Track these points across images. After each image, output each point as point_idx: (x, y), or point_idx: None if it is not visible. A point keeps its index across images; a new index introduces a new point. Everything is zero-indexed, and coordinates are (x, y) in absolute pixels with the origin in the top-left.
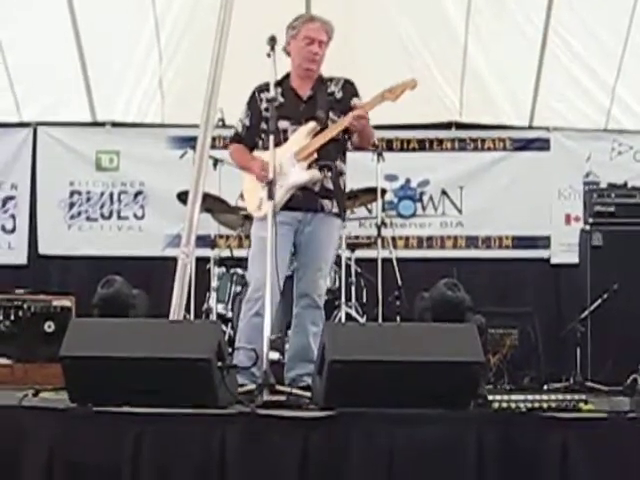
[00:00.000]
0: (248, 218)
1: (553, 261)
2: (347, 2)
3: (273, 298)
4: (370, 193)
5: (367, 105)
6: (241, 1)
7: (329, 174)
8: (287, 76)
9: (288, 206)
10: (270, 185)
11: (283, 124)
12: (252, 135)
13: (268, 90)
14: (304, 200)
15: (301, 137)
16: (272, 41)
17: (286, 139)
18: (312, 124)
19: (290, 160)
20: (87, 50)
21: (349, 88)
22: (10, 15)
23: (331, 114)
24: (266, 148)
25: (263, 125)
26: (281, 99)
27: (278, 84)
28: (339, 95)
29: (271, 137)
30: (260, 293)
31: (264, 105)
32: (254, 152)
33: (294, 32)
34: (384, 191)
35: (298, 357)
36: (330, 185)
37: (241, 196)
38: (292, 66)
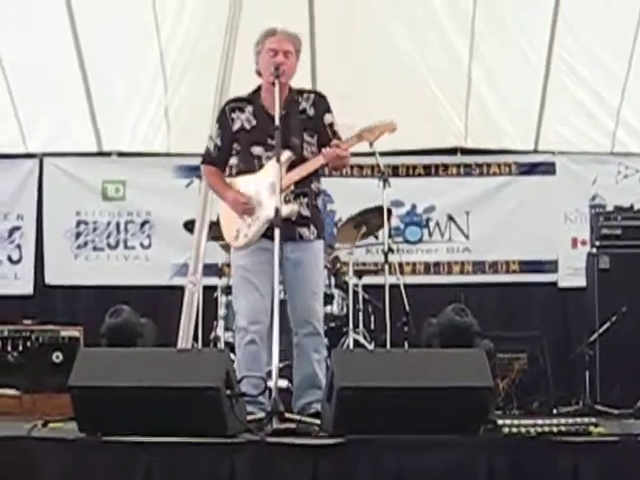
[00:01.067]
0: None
1: (560, 285)
2: (350, 30)
3: (265, 327)
4: (375, 218)
5: (345, 144)
6: (245, 29)
7: (305, 200)
8: (257, 91)
9: (267, 235)
10: (277, 213)
11: (257, 150)
12: (223, 155)
13: (239, 109)
14: (282, 230)
15: (275, 166)
16: (277, 70)
17: (261, 166)
18: (287, 154)
19: (267, 191)
20: (92, 80)
21: (321, 104)
22: (15, 45)
23: (305, 135)
24: (240, 172)
25: (236, 145)
26: (253, 121)
27: (248, 102)
28: (311, 112)
29: (275, 162)
30: (254, 323)
31: (236, 126)
32: (235, 178)
33: (258, 48)
34: (390, 211)
35: (305, 385)
36: (307, 212)
37: (217, 224)
38: (262, 84)
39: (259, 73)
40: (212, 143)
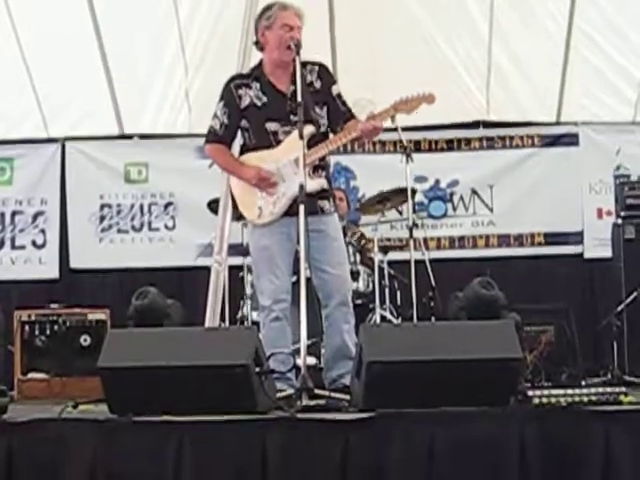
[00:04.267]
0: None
1: (586, 256)
2: (371, 5)
3: (288, 304)
4: (400, 195)
5: (380, 116)
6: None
7: (323, 173)
8: (259, 66)
9: (286, 212)
10: (301, 190)
11: (272, 126)
12: (231, 133)
13: (246, 85)
14: (305, 204)
15: (297, 141)
16: (297, 47)
17: (278, 141)
18: (310, 128)
19: (290, 167)
20: (112, 63)
21: (326, 76)
22: (35, 32)
23: (316, 108)
24: (252, 149)
25: (244, 123)
26: (263, 98)
27: (254, 78)
28: (318, 85)
29: (295, 137)
30: (278, 302)
31: (244, 103)
32: (247, 154)
33: (269, 22)
34: (414, 191)
35: (336, 356)
36: (326, 184)
37: (233, 202)
38: (267, 59)
39: (261, 47)
40: (217, 121)
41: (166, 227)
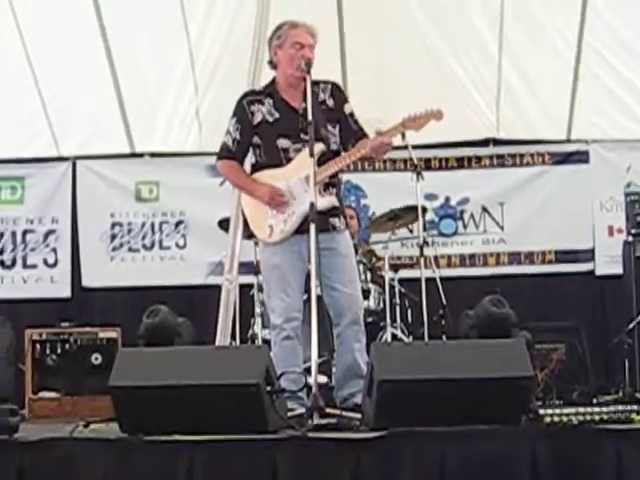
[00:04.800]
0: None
1: (597, 273)
2: (379, 22)
3: (299, 323)
4: (411, 213)
5: (388, 133)
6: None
7: (334, 190)
8: (272, 84)
9: (297, 230)
10: (312, 208)
11: (283, 142)
12: (243, 149)
13: (259, 102)
14: (316, 222)
15: (307, 159)
16: (307, 65)
17: (288, 159)
18: (320, 146)
19: (301, 185)
20: (123, 82)
21: (339, 95)
22: (45, 50)
23: (328, 126)
24: (263, 166)
25: (256, 139)
26: (275, 114)
27: (266, 95)
28: (330, 103)
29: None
30: (289, 321)
31: (257, 119)
32: (259, 172)
33: (280, 41)
34: (425, 209)
35: (347, 375)
36: (337, 202)
37: (244, 220)
38: (280, 76)
39: (274, 66)
40: (230, 137)
41: (177, 245)
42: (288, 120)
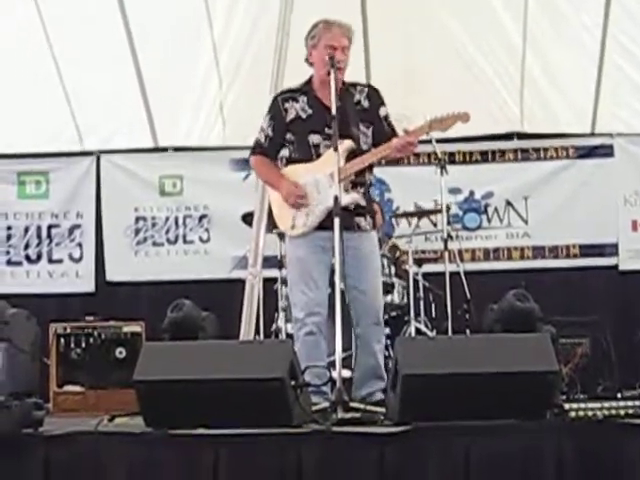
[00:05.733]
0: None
1: (621, 268)
2: (404, 16)
3: (323, 318)
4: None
5: (414, 133)
6: (297, 25)
7: (362, 190)
8: (308, 82)
9: (322, 226)
10: (335, 201)
11: (314, 138)
12: (275, 146)
13: (293, 99)
14: (341, 220)
15: (336, 157)
16: (331, 60)
17: (318, 154)
18: (348, 143)
19: (327, 180)
20: (147, 76)
21: (375, 96)
22: (70, 45)
23: (361, 126)
24: (295, 161)
25: (289, 136)
26: (309, 111)
27: (301, 92)
28: (366, 104)
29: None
30: (311, 315)
31: (290, 116)
32: (288, 167)
33: (314, 41)
34: (448, 208)
35: (367, 376)
36: (363, 202)
37: (269, 212)
38: (315, 75)
39: (311, 63)
40: (263, 134)
41: (200, 240)
42: (320, 117)
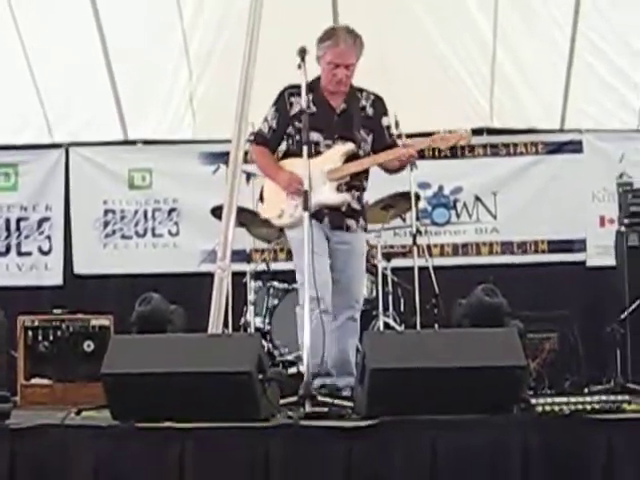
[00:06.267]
0: (283, 231)
1: (589, 264)
2: (375, 10)
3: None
4: (403, 201)
5: (414, 146)
6: (269, 14)
7: (357, 194)
8: (317, 79)
9: (317, 217)
10: (305, 195)
11: (315, 136)
12: (277, 138)
13: (299, 95)
14: (330, 218)
15: (336, 156)
16: (302, 52)
17: (317, 152)
18: (350, 146)
19: (321, 177)
20: (116, 69)
21: (379, 106)
22: (39, 36)
23: (362, 132)
24: (294, 155)
25: (290, 130)
26: (313, 108)
27: (310, 89)
28: (370, 111)
29: (305, 149)
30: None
31: (294, 110)
32: (286, 159)
33: (321, 53)
34: (418, 196)
35: (338, 371)
36: (357, 205)
37: (260, 198)
38: (322, 75)
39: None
40: (266, 125)
41: (170, 233)
42: (324, 116)
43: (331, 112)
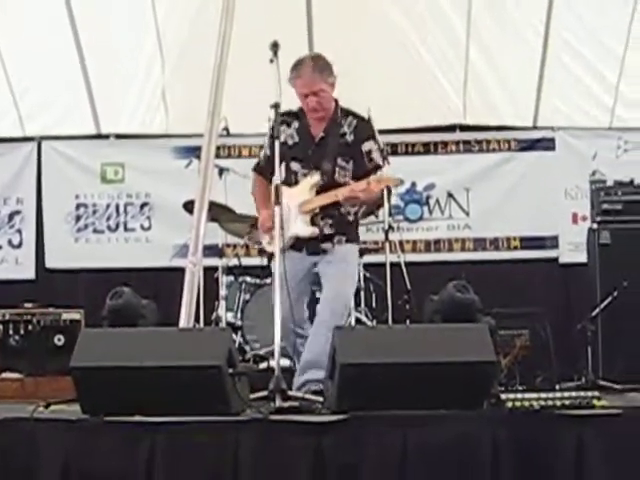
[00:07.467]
0: (254, 226)
1: (561, 261)
2: (348, 9)
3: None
4: None
5: (355, 187)
6: (242, 9)
7: (330, 221)
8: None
9: (294, 247)
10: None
11: (294, 166)
12: (271, 165)
13: (287, 124)
14: (307, 246)
15: (305, 188)
16: (275, 47)
17: (296, 181)
18: (316, 178)
19: (294, 209)
20: (90, 63)
21: (362, 130)
22: (12, 30)
23: (339, 160)
24: (284, 183)
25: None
26: (296, 137)
27: (296, 117)
28: (350, 138)
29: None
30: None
31: (283, 137)
32: None
33: (291, 85)
34: (390, 190)
35: (311, 364)
36: (330, 230)
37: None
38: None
39: None
40: (262, 153)
41: (142, 227)
42: (303, 145)
43: (310, 141)
